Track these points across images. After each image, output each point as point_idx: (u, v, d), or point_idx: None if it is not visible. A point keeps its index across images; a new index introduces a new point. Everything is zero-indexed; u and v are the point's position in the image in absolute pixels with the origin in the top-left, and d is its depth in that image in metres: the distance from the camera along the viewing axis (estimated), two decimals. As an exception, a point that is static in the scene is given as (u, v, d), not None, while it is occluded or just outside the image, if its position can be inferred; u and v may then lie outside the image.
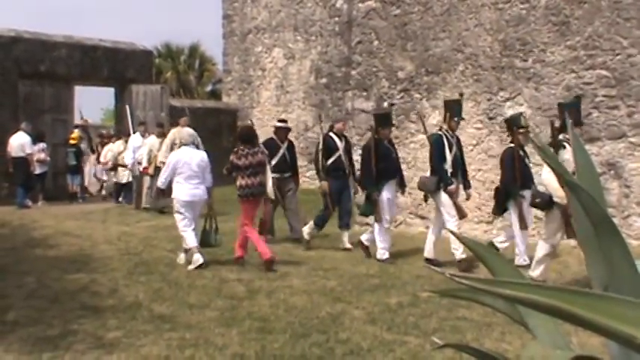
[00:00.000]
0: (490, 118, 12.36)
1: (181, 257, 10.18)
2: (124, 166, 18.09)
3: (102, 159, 20.58)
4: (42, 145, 18.10)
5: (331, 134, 12.02)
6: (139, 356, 6.03)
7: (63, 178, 19.56)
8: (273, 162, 11.84)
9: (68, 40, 20.15)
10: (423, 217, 13.08)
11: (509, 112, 11.95)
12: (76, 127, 20.90)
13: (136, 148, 17.07)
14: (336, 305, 7.81)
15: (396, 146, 11.73)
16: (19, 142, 17.30)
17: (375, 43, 13.74)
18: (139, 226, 13.30)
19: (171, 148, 13.90)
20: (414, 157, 13.14)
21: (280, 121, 13.20)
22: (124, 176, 18.58)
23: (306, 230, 11.80)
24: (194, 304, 7.83)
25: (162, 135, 16.21)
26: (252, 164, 9.94)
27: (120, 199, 18.81)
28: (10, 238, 12.30)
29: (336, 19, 21.28)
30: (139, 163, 16.68)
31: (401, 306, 7.78)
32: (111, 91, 21.76)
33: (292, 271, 9.69)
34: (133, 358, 5.99)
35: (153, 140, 16.40)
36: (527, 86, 11.91)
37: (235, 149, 10.28)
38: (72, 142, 19.30)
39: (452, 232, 2.46)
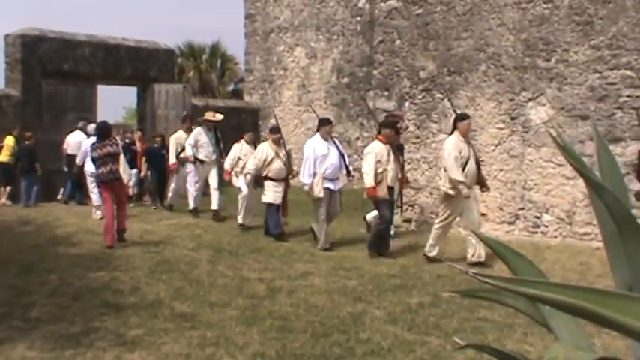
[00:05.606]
0: (512, 119, 12.29)
1: (97, 214, 13.53)
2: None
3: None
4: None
5: None
6: (160, 354, 6.06)
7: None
8: None
9: (91, 39, 20.23)
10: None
11: (532, 113, 11.89)
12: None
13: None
14: (357, 305, 7.81)
15: (417, 146, 11.65)
16: (76, 141, 17.49)
17: (397, 42, 13.71)
18: (160, 225, 13.34)
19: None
20: (436, 157, 13.08)
21: None
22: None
23: None
24: (215, 302, 7.87)
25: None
26: (101, 155, 11.44)
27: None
28: (34, 235, 12.39)
29: (358, 18, 21.26)
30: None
31: (422, 306, 7.77)
32: (133, 90, 21.86)
33: (313, 270, 9.69)
34: (154, 355, 6.02)
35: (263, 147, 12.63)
36: (549, 86, 11.83)
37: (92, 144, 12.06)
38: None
39: (474, 232, 2.40)
